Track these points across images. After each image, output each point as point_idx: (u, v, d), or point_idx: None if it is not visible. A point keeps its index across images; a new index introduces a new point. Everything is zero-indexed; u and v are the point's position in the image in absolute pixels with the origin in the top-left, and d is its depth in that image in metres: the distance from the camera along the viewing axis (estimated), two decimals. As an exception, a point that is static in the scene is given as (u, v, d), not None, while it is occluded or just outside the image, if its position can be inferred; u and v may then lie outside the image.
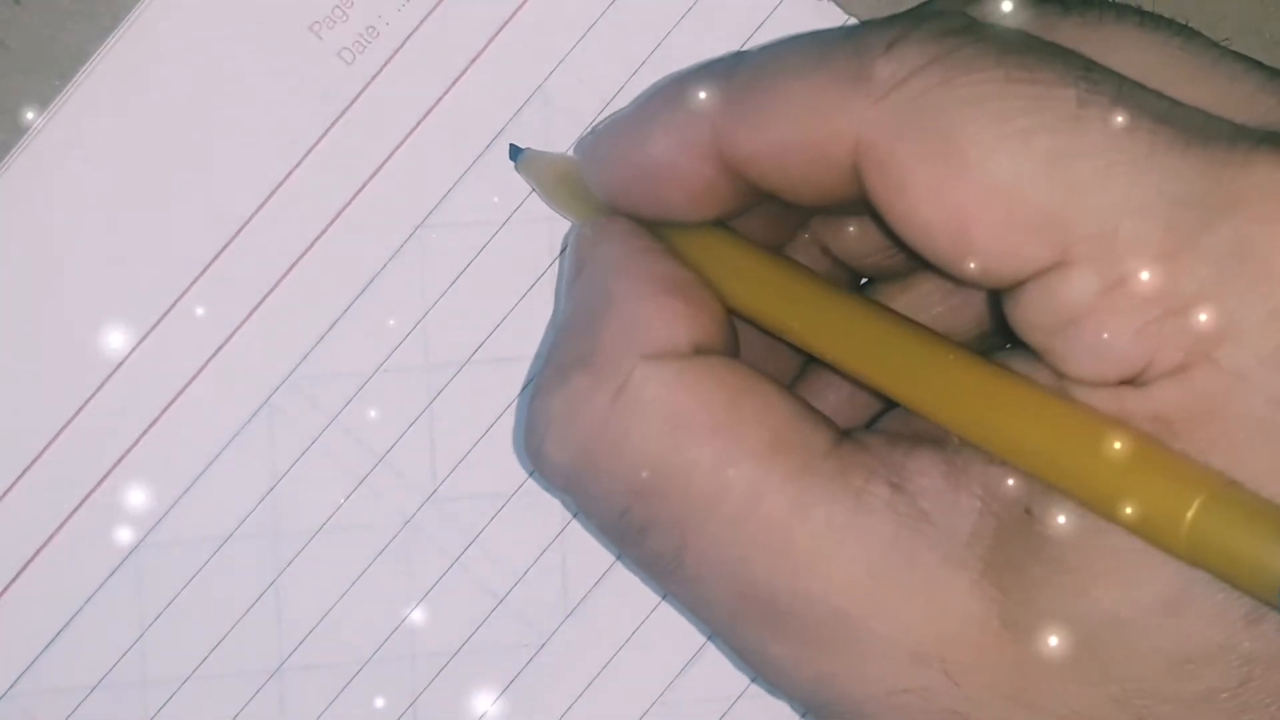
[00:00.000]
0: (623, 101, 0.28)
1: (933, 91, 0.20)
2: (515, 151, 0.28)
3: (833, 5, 0.28)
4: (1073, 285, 0.19)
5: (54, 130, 0.27)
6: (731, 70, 0.23)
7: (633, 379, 0.22)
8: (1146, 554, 0.19)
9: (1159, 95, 0.20)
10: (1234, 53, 0.22)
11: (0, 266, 0.27)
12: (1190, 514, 0.19)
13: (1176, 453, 0.19)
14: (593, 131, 0.26)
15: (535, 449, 0.24)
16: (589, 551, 0.28)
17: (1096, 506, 0.20)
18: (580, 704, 0.28)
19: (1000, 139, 0.20)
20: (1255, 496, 0.19)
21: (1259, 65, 0.21)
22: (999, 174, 0.20)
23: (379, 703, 0.28)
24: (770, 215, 0.25)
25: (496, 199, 0.28)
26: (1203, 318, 0.19)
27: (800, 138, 0.21)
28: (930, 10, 0.22)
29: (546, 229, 0.28)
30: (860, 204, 0.22)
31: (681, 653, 0.28)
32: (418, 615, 0.28)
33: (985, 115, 0.20)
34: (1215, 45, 0.22)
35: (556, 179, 0.27)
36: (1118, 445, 0.19)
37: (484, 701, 0.28)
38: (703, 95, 0.23)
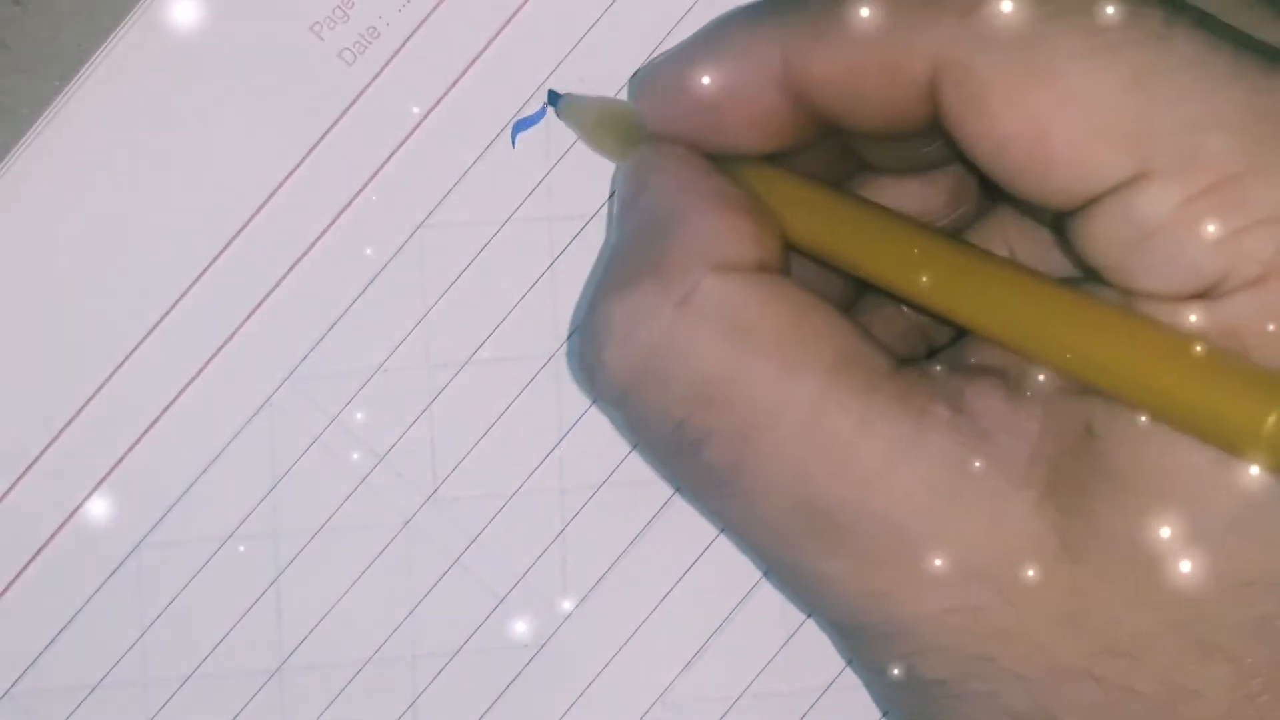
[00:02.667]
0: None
1: (1021, 8, 0.20)
2: (554, 97, 0.28)
3: (833, 5, 0.28)
4: (1152, 198, 0.20)
5: (54, 130, 0.27)
6: (800, 0, 0.23)
7: (700, 287, 0.22)
8: (1211, 474, 0.20)
9: (1235, 29, 0.21)
10: None
11: (0, 266, 0.27)
12: (1272, 419, 0.19)
13: (1252, 362, 0.19)
14: (650, 64, 0.26)
15: (593, 359, 0.23)
16: (589, 551, 0.28)
17: (1172, 418, 0.20)
18: (580, 704, 0.28)
19: (1086, 51, 0.20)
20: None
21: None
22: (1083, 84, 0.20)
23: (379, 703, 0.28)
24: (814, 165, 0.25)
25: (496, 199, 0.28)
26: None
27: (877, 58, 0.22)
28: None
29: (546, 229, 0.28)
30: (926, 132, 0.22)
31: (682, 653, 0.28)
32: (418, 615, 0.28)
33: (1072, 29, 0.20)
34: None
35: (598, 121, 0.27)
36: (1194, 356, 0.19)
37: (484, 701, 0.28)
38: (772, 23, 0.23)
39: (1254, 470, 0.19)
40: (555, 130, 0.28)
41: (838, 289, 0.26)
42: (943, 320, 0.23)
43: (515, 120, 0.28)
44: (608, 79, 0.28)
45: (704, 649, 0.29)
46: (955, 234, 0.26)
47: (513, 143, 0.28)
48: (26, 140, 0.27)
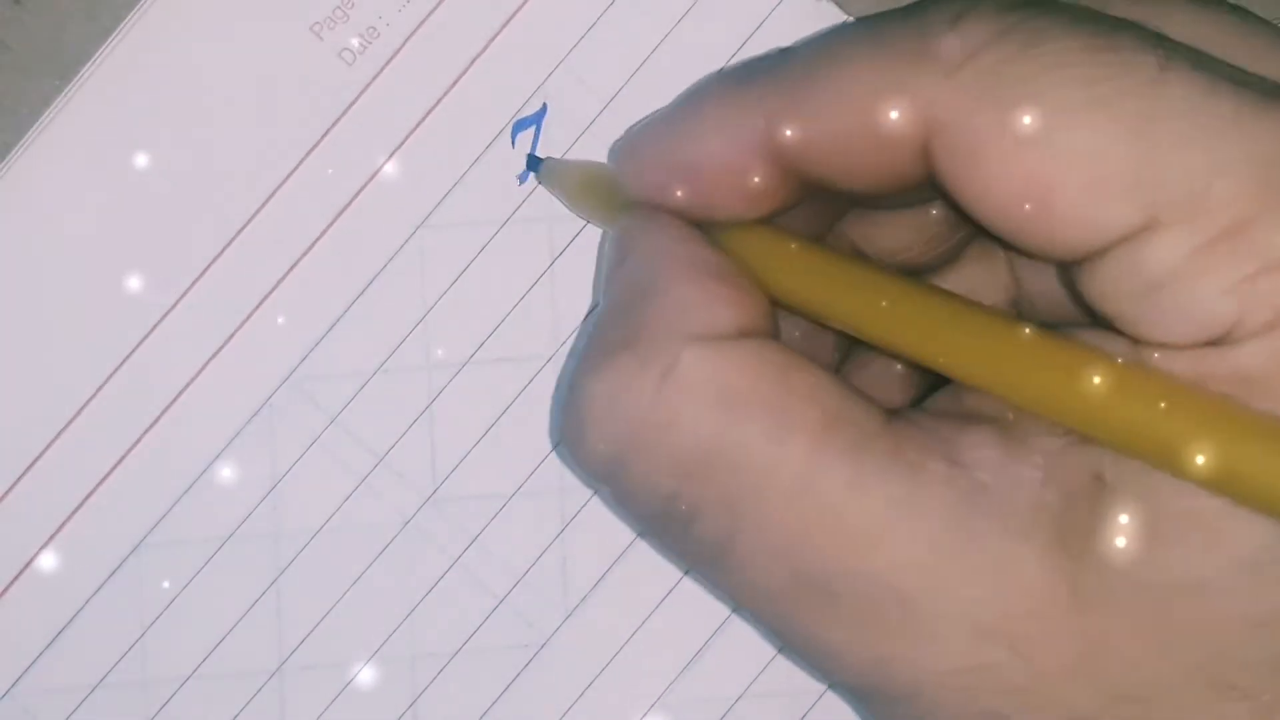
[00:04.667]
0: (623, 102, 0.28)
1: (1009, 62, 0.20)
2: (535, 163, 0.28)
3: (832, 5, 0.28)
4: (1161, 248, 0.19)
5: (54, 130, 0.27)
6: (780, 63, 0.22)
7: (682, 359, 0.22)
8: (1225, 514, 0.19)
9: (1231, 65, 0.20)
10: None
11: (1, 266, 0.27)
12: None
13: (1259, 410, 0.19)
14: (628, 134, 0.26)
15: (576, 436, 0.23)
16: (589, 551, 0.28)
17: (1181, 471, 0.19)
18: (580, 704, 0.28)
19: (1084, 104, 0.19)
20: None
21: None
22: (1084, 139, 0.19)
23: (379, 703, 0.28)
24: (803, 214, 0.24)
25: (496, 199, 0.28)
26: None
27: (864, 122, 0.21)
28: None
29: (546, 229, 0.28)
30: (918, 189, 0.21)
31: (681, 653, 0.29)
32: (418, 615, 0.28)
33: (1067, 82, 0.19)
34: (1270, 24, 0.22)
35: (581, 185, 0.27)
36: (1199, 408, 0.19)
37: (484, 701, 0.28)
38: (753, 89, 0.22)
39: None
40: (554, 131, 0.28)
41: (830, 342, 0.26)
42: (930, 372, 0.23)
43: (515, 120, 0.28)
44: (608, 79, 0.28)
45: (704, 649, 0.29)
46: (952, 261, 0.26)
47: (512, 143, 0.28)
48: (27, 140, 0.27)
